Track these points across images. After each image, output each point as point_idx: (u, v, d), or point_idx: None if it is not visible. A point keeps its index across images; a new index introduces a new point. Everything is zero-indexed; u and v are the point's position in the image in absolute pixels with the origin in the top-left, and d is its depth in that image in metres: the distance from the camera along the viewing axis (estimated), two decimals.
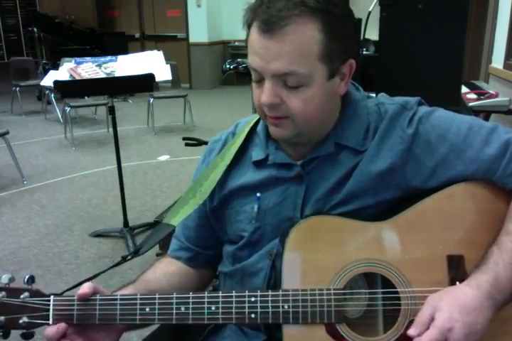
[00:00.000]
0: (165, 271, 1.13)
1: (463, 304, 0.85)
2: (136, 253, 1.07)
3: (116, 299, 0.93)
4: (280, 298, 0.91)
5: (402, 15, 2.18)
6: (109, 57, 3.35)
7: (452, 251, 0.94)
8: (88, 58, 3.34)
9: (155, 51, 3.48)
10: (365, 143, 1.00)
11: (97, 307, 0.92)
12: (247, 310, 0.91)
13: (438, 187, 0.96)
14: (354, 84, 1.07)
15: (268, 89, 0.92)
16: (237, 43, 9.73)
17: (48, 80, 3.29)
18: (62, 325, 0.91)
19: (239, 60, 9.56)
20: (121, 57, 3.36)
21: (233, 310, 0.92)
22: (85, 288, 0.93)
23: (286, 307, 0.91)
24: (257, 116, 1.10)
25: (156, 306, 0.92)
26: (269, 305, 0.91)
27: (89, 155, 5.56)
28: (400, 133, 0.98)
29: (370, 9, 2.33)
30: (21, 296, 0.91)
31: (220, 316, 0.92)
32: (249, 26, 0.93)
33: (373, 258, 0.93)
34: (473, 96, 3.17)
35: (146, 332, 1.18)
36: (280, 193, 1.03)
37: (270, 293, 0.92)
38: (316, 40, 0.89)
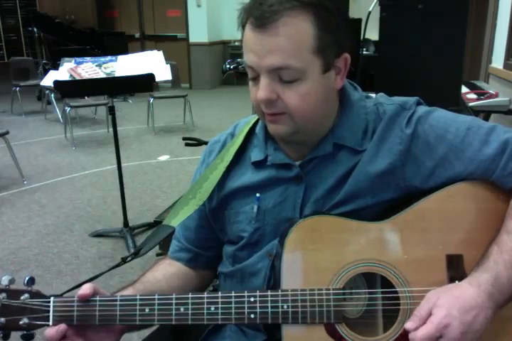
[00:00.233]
0: (164, 272, 1.13)
1: (462, 302, 0.85)
2: (135, 254, 1.07)
3: (115, 300, 0.93)
4: (279, 298, 0.91)
5: (402, 15, 2.18)
6: (109, 57, 3.35)
7: (452, 250, 0.94)
8: (88, 58, 3.34)
9: (155, 51, 3.48)
10: (363, 142, 1.00)
11: (97, 308, 0.92)
12: (246, 311, 0.91)
13: (437, 187, 0.96)
14: (352, 84, 1.07)
15: (264, 84, 0.92)
16: (237, 43, 9.72)
17: (48, 80, 3.29)
18: (62, 326, 0.91)
19: (239, 60, 9.54)
20: (121, 57, 3.36)
21: (232, 311, 0.92)
22: (85, 289, 0.93)
23: (285, 307, 0.91)
24: (255, 117, 1.10)
25: (156, 307, 0.92)
26: (269, 305, 0.91)
27: (89, 155, 5.56)
28: (398, 134, 0.98)
29: (370, 9, 2.33)
30: (21, 297, 0.91)
31: (219, 316, 0.92)
32: (243, 26, 0.94)
33: (372, 258, 0.93)
34: (473, 96, 3.17)
35: (147, 332, 1.18)
36: (280, 193, 1.03)
37: (269, 293, 0.92)
38: (309, 33, 0.89)
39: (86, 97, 6.12)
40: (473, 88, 3.37)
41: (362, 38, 2.60)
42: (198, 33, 9.59)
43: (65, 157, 5.48)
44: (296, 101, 0.92)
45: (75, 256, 3.24)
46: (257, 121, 1.10)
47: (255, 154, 1.07)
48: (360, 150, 0.99)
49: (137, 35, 10.56)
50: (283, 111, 0.94)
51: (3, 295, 0.90)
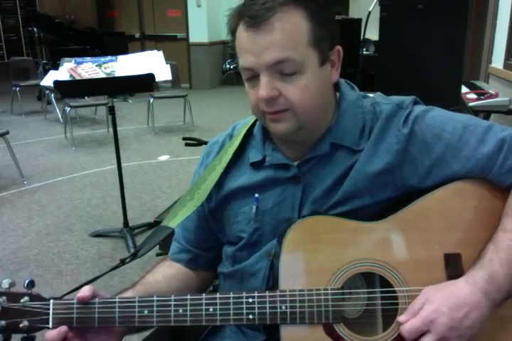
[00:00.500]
0: (164, 274, 1.13)
1: (455, 299, 0.86)
2: (134, 255, 1.08)
3: (114, 302, 0.93)
4: (278, 299, 0.91)
5: (402, 15, 2.18)
6: (109, 57, 3.35)
7: (450, 249, 0.94)
8: (88, 58, 3.34)
9: (155, 51, 3.48)
10: (360, 142, 1.00)
11: (96, 311, 0.93)
12: (244, 311, 0.92)
13: (435, 186, 0.96)
14: (349, 84, 1.07)
15: (264, 82, 0.92)
16: None
17: (48, 80, 3.29)
18: (63, 328, 0.91)
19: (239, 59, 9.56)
20: (121, 57, 3.36)
21: (231, 312, 0.92)
22: (85, 292, 0.93)
23: (283, 307, 0.91)
24: (253, 118, 1.10)
25: (154, 308, 0.92)
26: (267, 305, 0.91)
27: (89, 155, 5.56)
28: (395, 133, 0.98)
29: (370, 9, 2.33)
30: (21, 300, 0.92)
31: (217, 318, 0.92)
32: (234, 32, 0.95)
33: (370, 258, 0.93)
34: (473, 96, 3.17)
35: (146, 332, 1.18)
36: (278, 194, 1.03)
37: (268, 293, 0.92)
38: (304, 27, 0.91)
39: (86, 97, 6.12)
40: (473, 88, 3.37)
41: (362, 38, 2.60)
42: (198, 33, 9.59)
43: (65, 157, 5.48)
44: (298, 96, 0.92)
45: (75, 256, 3.24)
46: (254, 122, 1.10)
47: (253, 155, 1.07)
48: (358, 150, 0.99)
49: (137, 35, 10.56)
50: (285, 107, 0.94)
51: (4, 298, 0.91)
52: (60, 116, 7.00)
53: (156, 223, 3.36)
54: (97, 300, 0.93)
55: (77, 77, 3.15)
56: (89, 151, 5.71)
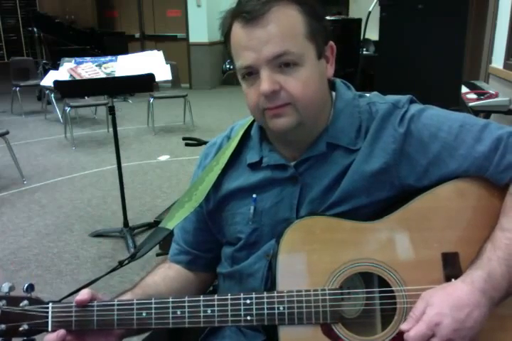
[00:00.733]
0: (164, 276, 1.13)
1: (455, 299, 0.85)
2: (132, 257, 1.08)
3: (113, 305, 0.94)
4: (275, 300, 0.92)
5: (402, 15, 2.19)
6: (109, 57, 3.35)
7: (448, 248, 0.94)
8: (88, 58, 3.34)
9: (155, 51, 3.48)
10: (357, 142, 1.00)
11: (95, 314, 0.93)
12: (242, 313, 0.92)
13: (432, 185, 0.96)
14: (346, 84, 1.08)
15: (266, 76, 0.92)
16: None
17: (48, 80, 3.29)
18: (61, 332, 0.92)
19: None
20: (121, 57, 3.36)
21: (229, 313, 0.92)
22: (83, 295, 0.93)
23: (281, 308, 0.91)
24: (251, 119, 1.10)
25: (153, 311, 0.93)
26: (265, 306, 0.91)
27: (89, 155, 5.56)
28: (391, 133, 0.98)
29: (370, 9, 2.33)
30: (21, 304, 0.92)
31: (215, 319, 0.92)
32: (228, 33, 0.96)
33: (368, 258, 0.93)
34: (473, 96, 3.18)
35: (146, 332, 1.18)
36: (276, 194, 1.03)
37: (265, 295, 0.92)
38: (299, 20, 0.93)
39: (86, 97, 6.12)
40: (473, 88, 3.37)
41: (362, 38, 2.60)
42: (198, 33, 9.59)
43: (65, 157, 5.48)
44: (299, 88, 0.93)
45: (75, 256, 3.24)
46: (252, 124, 1.10)
47: (251, 156, 1.07)
48: (354, 150, 0.99)
49: (137, 35, 10.56)
50: (287, 101, 0.94)
51: (3, 302, 0.92)
52: (60, 116, 7.00)
53: (156, 223, 3.36)
54: (95, 303, 0.94)
55: (77, 77, 3.15)
56: (89, 151, 5.71)
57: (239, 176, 1.07)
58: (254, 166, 1.06)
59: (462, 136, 0.96)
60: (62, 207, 4.05)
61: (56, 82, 3.10)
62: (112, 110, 3.32)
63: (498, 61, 4.05)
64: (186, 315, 0.92)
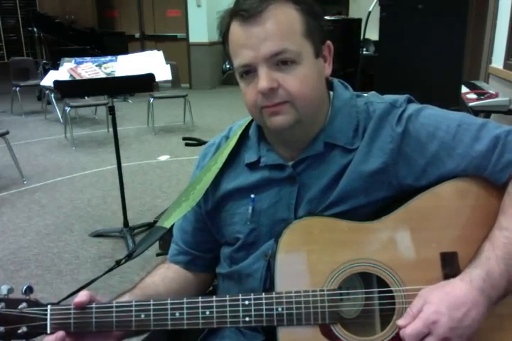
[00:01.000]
0: (163, 276, 1.13)
1: (453, 298, 0.85)
2: (129, 256, 1.08)
3: (111, 307, 0.94)
4: (274, 301, 0.91)
5: (402, 15, 2.19)
6: (109, 57, 3.35)
7: (446, 248, 0.94)
8: (88, 58, 3.34)
9: (155, 51, 3.48)
10: (354, 141, 1.00)
11: (93, 315, 0.93)
12: (241, 314, 0.92)
13: (430, 184, 0.96)
14: (343, 84, 1.08)
15: (264, 74, 0.92)
16: None
17: (48, 80, 3.29)
18: (60, 333, 0.92)
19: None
20: (121, 57, 3.36)
21: (227, 314, 0.92)
22: (81, 297, 0.93)
23: (280, 309, 0.91)
24: (249, 119, 1.11)
25: (151, 312, 0.93)
26: (263, 307, 0.91)
27: (89, 155, 5.56)
28: (389, 132, 0.98)
29: (370, 9, 2.33)
30: (19, 306, 0.92)
31: (214, 320, 0.92)
32: (226, 32, 0.96)
33: (367, 258, 0.93)
34: (473, 96, 3.18)
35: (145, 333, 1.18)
36: (274, 194, 1.03)
37: (264, 296, 0.92)
38: (296, 18, 0.93)
39: (86, 97, 6.12)
40: (473, 88, 3.37)
41: (362, 38, 2.60)
42: (198, 33, 9.58)
43: (65, 157, 5.48)
44: (297, 86, 0.93)
45: (75, 256, 3.24)
46: (250, 124, 1.10)
47: (249, 156, 1.07)
48: (352, 149, 0.99)
49: (137, 35, 10.56)
50: (285, 99, 0.94)
51: (2, 304, 0.92)
52: (60, 116, 7.00)
53: (156, 223, 3.36)
54: (94, 304, 0.94)
55: (77, 77, 3.15)
56: (89, 151, 5.71)
57: (237, 176, 1.07)
58: (252, 166, 1.06)
59: (460, 135, 0.96)
60: (62, 207, 4.05)
61: (56, 82, 3.10)
62: (112, 110, 3.32)
63: (498, 61, 4.06)
64: (185, 316, 0.92)
